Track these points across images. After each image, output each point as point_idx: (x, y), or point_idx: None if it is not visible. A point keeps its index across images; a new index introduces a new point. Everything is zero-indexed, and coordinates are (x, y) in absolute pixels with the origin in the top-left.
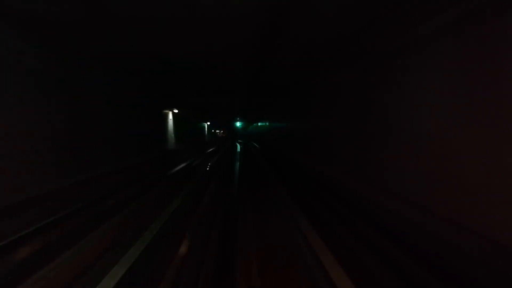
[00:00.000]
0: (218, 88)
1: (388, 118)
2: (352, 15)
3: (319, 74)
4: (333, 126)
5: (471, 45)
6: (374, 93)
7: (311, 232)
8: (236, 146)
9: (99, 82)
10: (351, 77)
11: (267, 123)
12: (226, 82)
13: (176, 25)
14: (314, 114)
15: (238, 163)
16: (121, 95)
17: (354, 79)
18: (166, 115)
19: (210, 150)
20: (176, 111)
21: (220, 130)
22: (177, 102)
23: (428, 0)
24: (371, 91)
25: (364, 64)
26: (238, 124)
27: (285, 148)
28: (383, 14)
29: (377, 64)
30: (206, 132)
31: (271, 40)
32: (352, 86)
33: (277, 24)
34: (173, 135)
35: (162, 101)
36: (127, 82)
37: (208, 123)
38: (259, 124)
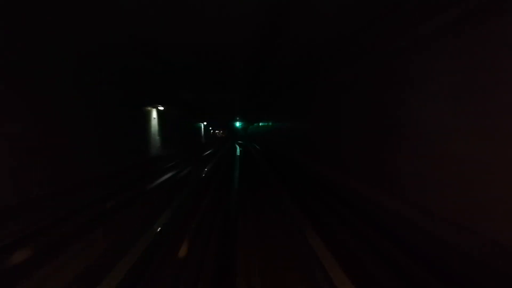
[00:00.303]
0: (217, 88)
1: (388, 119)
2: (352, 15)
3: (319, 74)
4: (338, 127)
5: (471, 45)
6: (374, 93)
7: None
8: (236, 148)
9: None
10: (351, 77)
11: (270, 123)
12: (226, 82)
13: (176, 24)
14: (316, 114)
15: (237, 172)
16: (82, 86)
17: (354, 79)
18: (149, 113)
19: (206, 153)
20: (161, 108)
21: (220, 131)
22: (164, 97)
23: (428, 0)
24: (371, 91)
25: (364, 64)
26: (237, 124)
27: (285, 148)
28: (383, 14)
29: (377, 64)
30: (203, 132)
31: (271, 40)
32: (353, 86)
33: (277, 24)
34: (158, 138)
35: (142, 96)
36: (93, 72)
37: (205, 123)
38: (260, 124)
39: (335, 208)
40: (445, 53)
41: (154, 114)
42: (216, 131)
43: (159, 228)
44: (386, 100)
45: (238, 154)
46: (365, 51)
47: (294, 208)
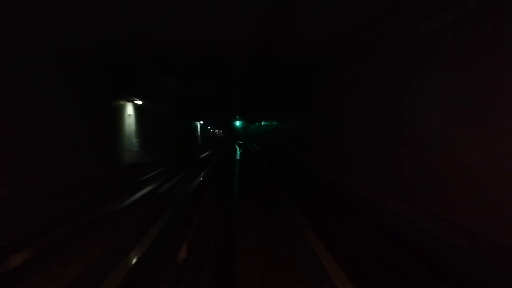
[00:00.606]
0: (216, 88)
1: (388, 119)
2: (352, 15)
3: (319, 74)
4: (339, 127)
5: (471, 45)
6: (374, 94)
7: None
8: (236, 149)
9: None
10: (351, 77)
11: (270, 123)
12: (225, 82)
13: (175, 24)
14: (316, 114)
15: (237, 177)
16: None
17: (354, 79)
18: (121, 109)
19: (200, 157)
20: (139, 102)
21: (220, 130)
22: (144, 89)
23: (428, 0)
24: (371, 91)
25: (364, 64)
26: (237, 123)
27: (285, 148)
28: (383, 14)
29: (377, 64)
30: (199, 132)
31: (271, 40)
32: (353, 86)
33: (277, 24)
34: (135, 140)
35: (110, 84)
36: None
37: (202, 121)
38: (262, 123)
39: (335, 208)
40: (445, 53)
41: (129, 110)
42: (216, 131)
43: None
44: (386, 100)
45: (238, 157)
46: (365, 51)
47: (294, 208)
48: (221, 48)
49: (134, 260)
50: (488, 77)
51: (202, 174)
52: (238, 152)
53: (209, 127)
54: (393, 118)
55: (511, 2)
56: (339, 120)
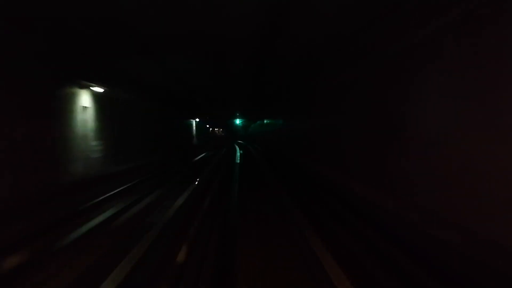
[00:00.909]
0: (215, 87)
1: (388, 120)
2: (352, 15)
3: (319, 74)
4: (339, 127)
5: (471, 45)
6: (374, 94)
7: None
8: (236, 150)
9: None
10: (351, 77)
11: (270, 124)
12: (224, 82)
13: (175, 24)
14: (316, 114)
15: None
16: None
17: (354, 79)
18: (70, 98)
19: (193, 162)
20: (99, 90)
21: (220, 129)
22: (111, 72)
23: (428, 0)
24: (371, 91)
25: (364, 64)
26: (238, 121)
27: (286, 148)
28: (383, 14)
29: (377, 64)
30: (195, 131)
31: (271, 40)
32: (353, 86)
33: (277, 24)
34: (95, 143)
35: (57, 63)
36: None
37: (197, 119)
38: (260, 123)
39: (335, 208)
40: (446, 53)
41: (83, 100)
42: (216, 129)
43: None
44: (386, 100)
45: (238, 160)
46: (365, 51)
47: (294, 208)
48: (221, 48)
49: None
50: (488, 77)
51: (195, 182)
52: (238, 154)
53: (207, 125)
54: (393, 118)
55: (511, 2)
56: (339, 120)
